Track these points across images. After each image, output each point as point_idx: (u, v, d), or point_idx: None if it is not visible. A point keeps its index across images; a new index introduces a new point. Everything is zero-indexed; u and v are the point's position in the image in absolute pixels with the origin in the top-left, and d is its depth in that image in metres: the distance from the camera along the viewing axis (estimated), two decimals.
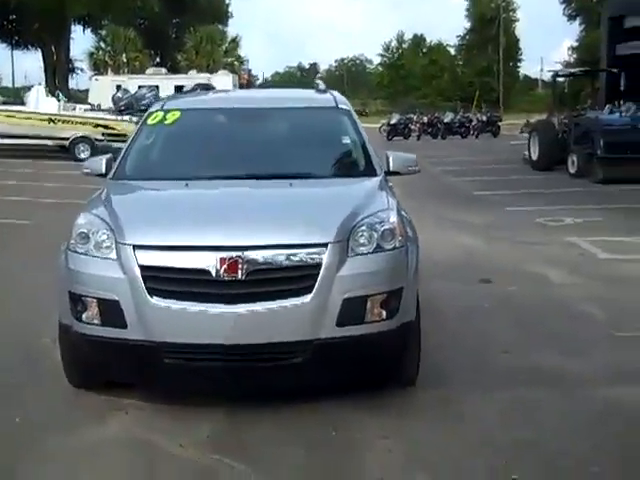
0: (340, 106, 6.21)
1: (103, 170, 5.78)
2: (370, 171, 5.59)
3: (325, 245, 4.50)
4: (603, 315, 6.77)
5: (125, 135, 15.72)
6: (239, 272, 4.38)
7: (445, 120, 37.87)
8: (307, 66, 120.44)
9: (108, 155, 5.88)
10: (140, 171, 5.61)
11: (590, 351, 5.85)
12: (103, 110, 24.67)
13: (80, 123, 23.08)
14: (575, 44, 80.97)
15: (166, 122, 5.95)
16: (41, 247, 8.27)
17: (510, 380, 5.28)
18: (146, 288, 4.43)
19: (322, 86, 6.92)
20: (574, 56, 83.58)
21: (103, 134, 22.43)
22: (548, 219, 12.04)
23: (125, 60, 54.52)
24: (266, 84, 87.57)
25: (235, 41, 61.70)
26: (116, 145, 16.54)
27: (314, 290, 4.43)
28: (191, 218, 4.73)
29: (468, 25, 79.91)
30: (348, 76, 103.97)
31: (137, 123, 6.35)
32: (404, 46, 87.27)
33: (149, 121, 5.98)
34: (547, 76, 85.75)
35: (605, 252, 9.48)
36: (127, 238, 4.54)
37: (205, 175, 5.40)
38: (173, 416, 4.74)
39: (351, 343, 4.53)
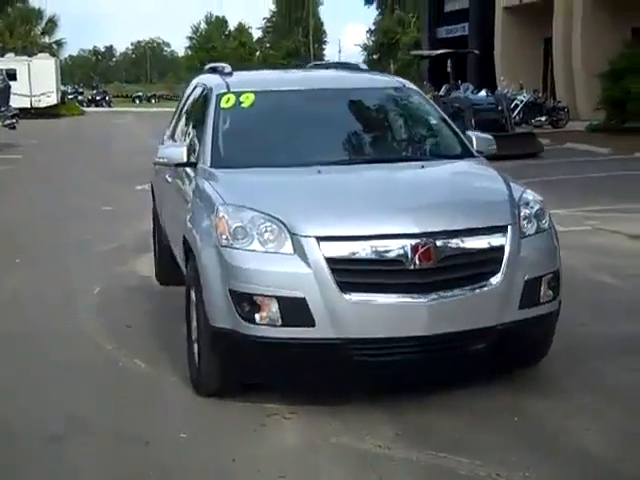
0: (407, 85, 6.10)
1: (184, 159, 5.35)
2: (467, 151, 5.52)
3: (506, 227, 4.45)
4: None
5: None
6: (432, 259, 4.22)
7: None
8: (103, 49, 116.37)
9: (181, 143, 5.44)
10: (244, 159, 5.22)
11: None
12: None
13: None
14: (373, 27, 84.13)
15: (243, 105, 5.59)
16: None
17: None
18: (335, 282, 4.17)
19: (364, 66, 6.74)
20: (372, 39, 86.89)
21: None
22: None
23: None
24: None
25: (53, 21, 57.92)
26: None
27: (500, 274, 4.36)
28: (369, 206, 4.49)
29: (274, 7, 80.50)
30: (152, 60, 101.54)
31: None
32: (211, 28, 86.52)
33: (223, 104, 5.58)
34: (345, 58, 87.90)
35: None
36: (307, 230, 4.23)
37: (317, 161, 5.12)
38: (338, 416, 4.47)
39: (529, 325, 4.52)
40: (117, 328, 6.16)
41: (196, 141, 5.62)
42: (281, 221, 4.31)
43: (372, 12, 74.99)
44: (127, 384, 5.04)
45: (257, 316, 4.26)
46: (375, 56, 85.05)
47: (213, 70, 6.54)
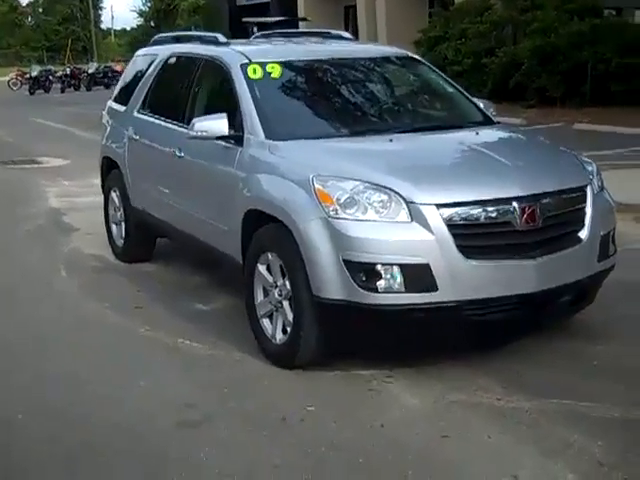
0: (411, 55, 6.27)
1: (226, 132, 5.21)
2: (488, 118, 5.80)
3: (586, 186, 4.80)
4: None
5: None
6: (537, 220, 4.47)
7: (90, 71, 36.38)
8: None
9: (220, 115, 5.27)
10: (298, 129, 5.18)
11: None
12: None
13: None
14: None
15: (273, 76, 5.51)
16: None
17: None
18: (456, 246, 4.31)
19: (348, 35, 6.76)
20: (148, 4, 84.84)
21: None
22: None
23: None
24: None
25: None
26: None
27: (586, 230, 4.70)
28: (474, 172, 4.64)
29: None
30: None
31: None
32: None
33: (251, 75, 5.45)
34: (120, 25, 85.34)
35: None
36: (426, 198, 4.32)
37: (373, 129, 5.22)
38: (435, 377, 4.60)
39: (602, 276, 4.92)
40: (127, 310, 5.89)
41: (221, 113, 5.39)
42: (392, 190, 4.36)
43: None
44: (214, 370, 4.86)
45: (378, 284, 4.30)
46: (152, 23, 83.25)
47: (200, 39, 6.37)
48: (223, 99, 5.68)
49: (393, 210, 4.35)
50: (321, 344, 4.62)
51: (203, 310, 5.93)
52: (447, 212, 4.31)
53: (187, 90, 6.09)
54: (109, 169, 7.37)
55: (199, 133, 5.26)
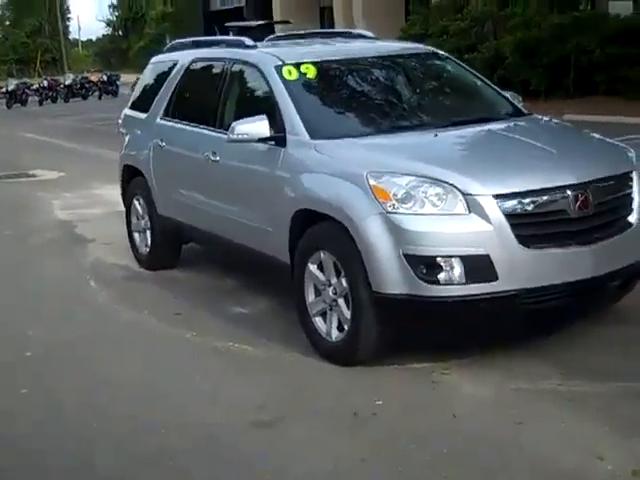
0: (436, 51, 6.34)
1: (267, 133, 5.24)
2: (518, 110, 5.87)
3: (631, 172, 4.89)
4: None
5: None
6: (589, 207, 4.54)
7: (67, 83, 36.21)
8: None
9: (260, 117, 5.29)
10: (342, 128, 5.23)
11: None
12: None
13: None
14: (115, 2, 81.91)
15: (309, 77, 5.54)
16: None
17: None
18: (515, 236, 4.37)
19: (369, 33, 6.79)
20: (116, 14, 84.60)
21: None
22: None
23: None
24: None
25: None
26: None
27: (635, 214, 4.79)
28: (527, 162, 4.72)
29: None
30: None
31: None
32: None
33: (287, 77, 5.48)
34: (85, 36, 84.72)
35: None
36: (483, 189, 4.37)
37: (415, 124, 5.30)
38: (492, 367, 4.65)
39: None
40: (169, 317, 5.89)
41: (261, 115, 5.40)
42: (449, 183, 4.41)
43: None
44: (273, 371, 4.88)
45: (440, 277, 4.35)
46: (120, 32, 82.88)
47: (225, 43, 6.41)
48: (259, 101, 5.71)
49: (450, 203, 4.40)
50: (381, 339, 4.66)
51: (243, 313, 5.94)
52: (504, 202, 4.37)
53: (218, 94, 6.09)
54: (130, 177, 7.35)
55: (239, 136, 5.27)
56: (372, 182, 4.52)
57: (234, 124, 5.30)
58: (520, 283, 4.41)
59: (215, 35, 8.25)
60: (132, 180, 7.32)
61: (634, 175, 4.88)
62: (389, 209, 4.43)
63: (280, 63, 5.59)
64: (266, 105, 5.46)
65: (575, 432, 3.92)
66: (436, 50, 6.37)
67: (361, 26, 28.27)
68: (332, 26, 31.56)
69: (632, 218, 4.77)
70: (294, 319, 5.24)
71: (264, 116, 5.26)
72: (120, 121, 7.80)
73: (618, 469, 3.54)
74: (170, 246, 7.04)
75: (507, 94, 6.06)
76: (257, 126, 5.25)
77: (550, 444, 3.82)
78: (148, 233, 7.14)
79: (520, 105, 5.99)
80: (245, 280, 6.54)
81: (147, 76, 7.60)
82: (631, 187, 4.83)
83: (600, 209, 4.61)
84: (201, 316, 5.89)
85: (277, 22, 28.42)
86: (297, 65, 5.57)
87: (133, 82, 37.54)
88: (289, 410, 4.31)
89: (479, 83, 6.06)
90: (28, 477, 3.86)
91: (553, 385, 4.43)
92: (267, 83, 5.53)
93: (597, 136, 5.45)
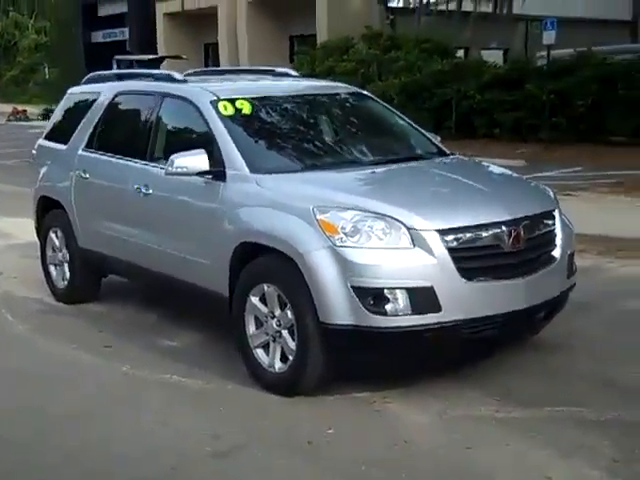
0: (361, 91, 6.59)
1: (207, 167, 5.31)
2: (441, 150, 6.17)
3: (554, 210, 5.25)
4: None
5: None
6: (522, 242, 4.84)
7: None
8: None
9: (199, 150, 5.36)
10: (280, 163, 5.40)
11: None
12: None
13: None
14: None
15: (244, 112, 5.66)
16: None
17: None
18: (457, 269, 4.60)
19: (294, 72, 6.97)
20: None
21: None
22: None
23: None
24: None
25: None
26: None
27: (558, 249, 5.13)
28: (463, 199, 4.97)
29: None
30: None
31: None
32: None
33: (223, 112, 5.57)
34: None
35: None
36: (427, 225, 4.59)
37: (351, 161, 5.53)
38: (429, 395, 4.86)
39: (569, 292, 5.34)
40: (99, 350, 5.81)
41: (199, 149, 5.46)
42: (392, 217, 4.61)
43: None
44: (218, 402, 4.90)
45: (387, 308, 4.53)
46: None
47: (153, 77, 6.45)
48: (193, 135, 5.77)
49: (395, 237, 4.60)
50: (327, 369, 4.78)
51: (172, 346, 5.93)
52: (447, 237, 4.61)
53: (148, 128, 6.10)
54: (47, 209, 7.21)
55: (178, 169, 5.30)
56: (319, 216, 4.66)
57: (173, 157, 5.33)
58: (462, 314, 4.64)
59: (112, 68, 8.27)
60: (49, 212, 7.19)
61: (557, 213, 5.24)
62: (337, 242, 4.58)
63: (215, 98, 5.68)
64: (202, 140, 5.52)
65: (521, 455, 4.15)
66: (361, 90, 6.63)
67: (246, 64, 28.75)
68: (217, 63, 31.83)
69: (556, 253, 5.11)
70: (224, 351, 5.32)
71: (203, 150, 5.32)
72: (34, 152, 7.66)
73: None
74: (91, 279, 6.95)
75: (427, 133, 6.37)
76: (196, 160, 5.30)
77: (501, 466, 4.03)
78: (66, 266, 7.02)
79: (441, 145, 6.30)
80: (168, 313, 6.54)
81: (64, 107, 7.51)
82: (554, 224, 5.18)
83: (530, 244, 4.91)
84: (132, 349, 5.84)
85: (169, 57, 28.23)
86: (232, 101, 5.68)
87: (10, 112, 36.59)
88: (245, 439, 4.35)
89: (403, 123, 6.33)
90: None
91: (491, 411, 4.66)
92: (202, 118, 5.59)
93: (519, 176, 5.80)
